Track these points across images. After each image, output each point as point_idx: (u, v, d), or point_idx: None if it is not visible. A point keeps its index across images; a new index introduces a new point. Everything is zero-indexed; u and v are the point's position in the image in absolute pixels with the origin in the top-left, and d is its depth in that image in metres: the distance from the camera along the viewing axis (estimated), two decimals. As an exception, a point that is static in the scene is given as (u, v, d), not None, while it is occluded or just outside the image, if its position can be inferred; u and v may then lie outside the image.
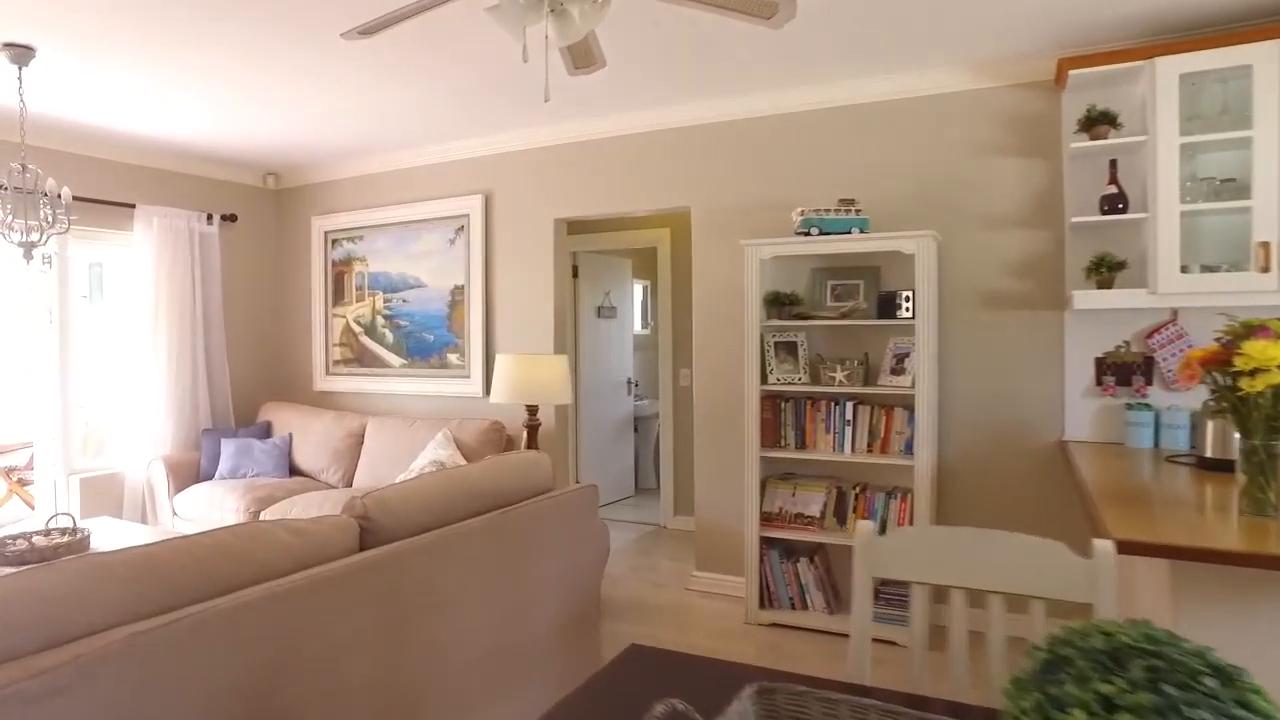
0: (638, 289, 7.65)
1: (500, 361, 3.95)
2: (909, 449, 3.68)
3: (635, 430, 7.17)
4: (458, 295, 5.08)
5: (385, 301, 5.39)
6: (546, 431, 4.68)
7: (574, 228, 6.06)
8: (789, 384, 3.84)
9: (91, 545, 3.31)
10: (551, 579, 2.83)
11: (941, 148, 3.77)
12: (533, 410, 3.98)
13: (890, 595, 3.68)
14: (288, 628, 1.77)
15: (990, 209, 3.68)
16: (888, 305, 3.68)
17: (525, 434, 3.96)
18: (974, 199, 3.71)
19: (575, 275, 6.22)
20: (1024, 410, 3.65)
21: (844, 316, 3.74)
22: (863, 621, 1.54)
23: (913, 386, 3.57)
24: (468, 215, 5.02)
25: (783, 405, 3.91)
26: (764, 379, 3.84)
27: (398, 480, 4.24)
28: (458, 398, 5.09)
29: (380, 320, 5.41)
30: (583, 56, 2.43)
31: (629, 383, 6.85)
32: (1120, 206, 3.26)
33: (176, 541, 1.75)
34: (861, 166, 3.93)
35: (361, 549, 2.19)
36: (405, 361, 5.31)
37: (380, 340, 5.41)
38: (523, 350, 4.90)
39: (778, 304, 3.91)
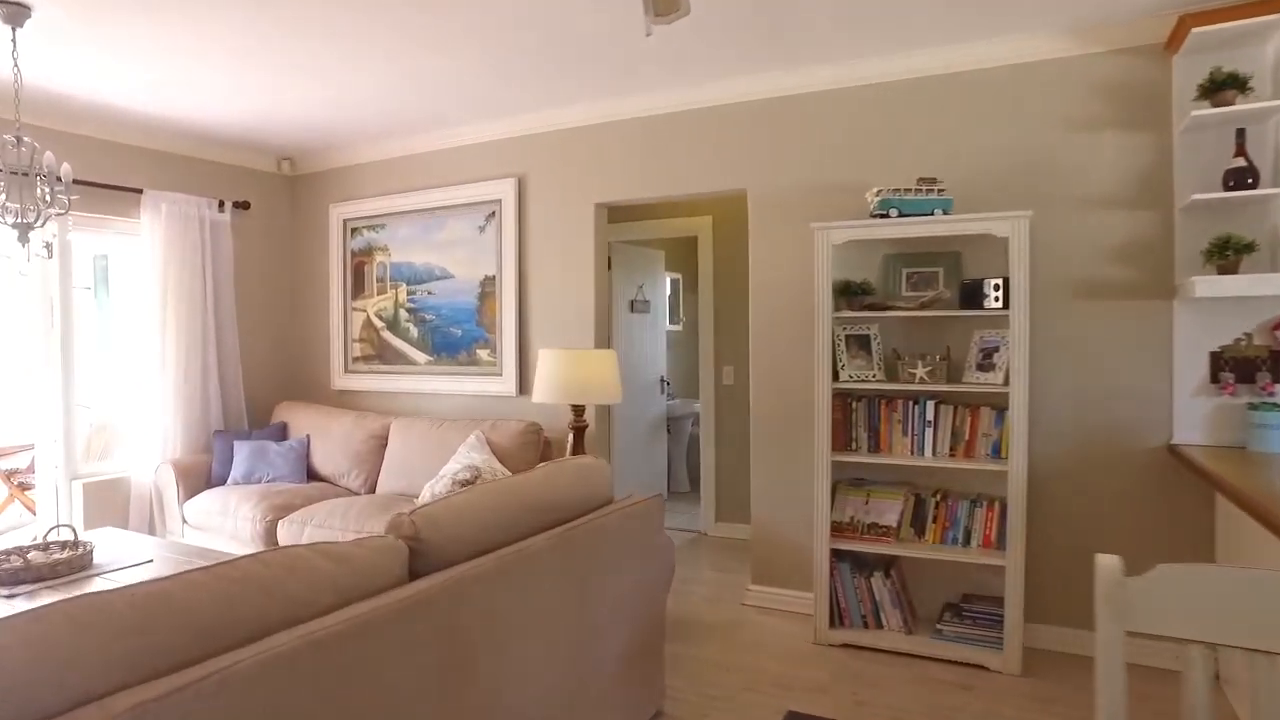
0: (667, 283, 7.29)
1: (544, 358, 3.60)
2: (996, 452, 3.32)
3: (668, 431, 6.81)
4: (488, 287, 4.74)
5: (409, 294, 5.04)
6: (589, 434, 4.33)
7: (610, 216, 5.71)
8: (862, 381, 3.48)
9: (95, 561, 2.97)
10: (619, 602, 2.48)
11: (1031, 122, 3.40)
12: (579, 411, 3.63)
13: (975, 613, 3.32)
14: (330, 682, 1.42)
15: (1086, 189, 3.31)
16: (973, 294, 3.31)
17: (571, 437, 3.61)
18: (1068, 178, 3.34)
19: (609, 268, 5.86)
20: (1125, 411, 3.28)
21: (924, 307, 3.37)
22: (1114, 695, 1.17)
23: (1005, 384, 3.21)
24: (499, 200, 4.67)
25: (853, 405, 3.55)
26: (835, 376, 3.48)
27: (428, 488, 3.90)
28: (489, 397, 4.74)
29: (403, 314, 5.07)
30: (667, 1, 2.07)
31: (662, 381, 6.50)
32: (1249, 181, 2.89)
33: (195, 576, 1.40)
34: (939, 145, 3.57)
35: (411, 576, 1.85)
36: (431, 358, 4.96)
37: (404, 335, 5.07)
38: (560, 346, 4.54)
39: (848, 294, 3.54)
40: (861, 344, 3.54)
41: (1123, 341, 3.27)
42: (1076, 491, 3.35)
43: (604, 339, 4.55)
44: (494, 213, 4.70)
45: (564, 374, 3.49)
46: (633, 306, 6.09)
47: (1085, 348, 3.33)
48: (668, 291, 7.27)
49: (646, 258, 6.32)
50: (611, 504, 2.69)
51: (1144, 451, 3.25)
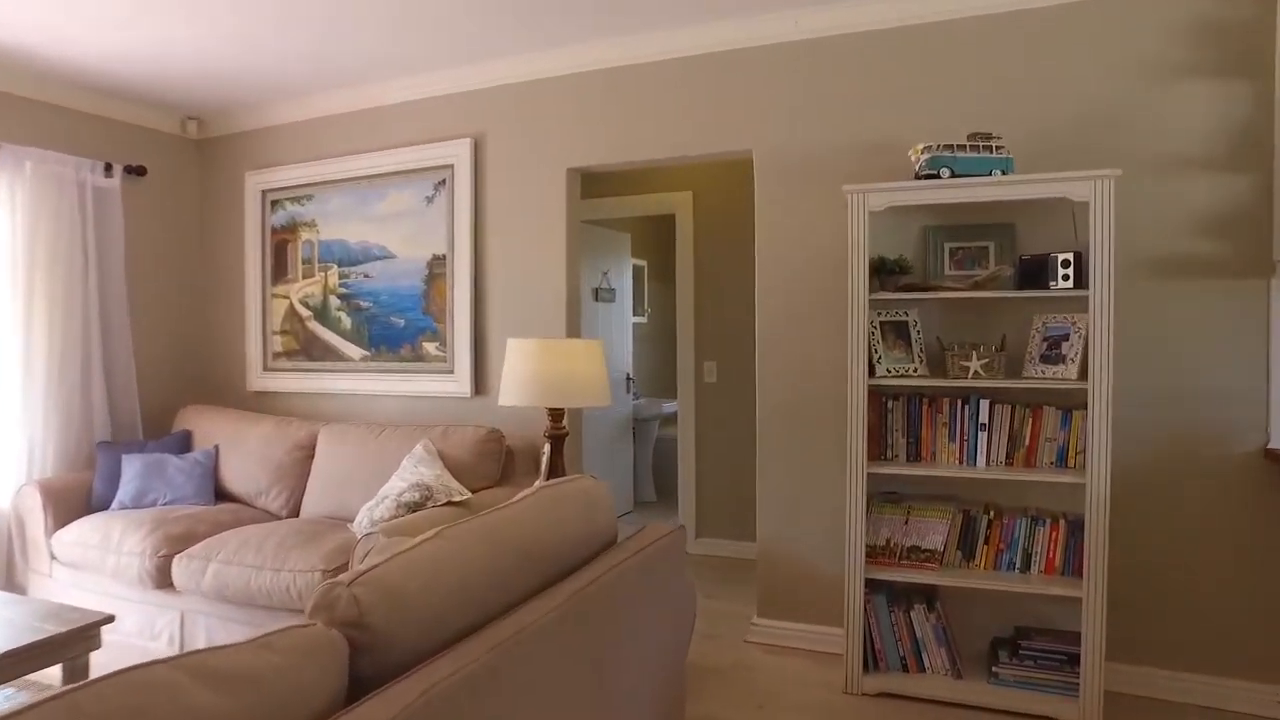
0: (633, 269, 6.64)
1: (514, 350, 2.90)
2: (1061, 460, 2.77)
3: (633, 434, 6.17)
4: (437, 268, 4.01)
5: (341, 278, 4.27)
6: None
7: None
8: (902, 376, 2.89)
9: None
10: (640, 676, 1.82)
11: (1103, 69, 2.87)
12: (558, 416, 2.94)
13: (1036, 652, 2.77)
14: None
15: (1167, 148, 2.79)
16: (1035, 272, 2.76)
17: (549, 447, 2.91)
18: (1145, 135, 2.81)
19: (570, 250, 5.18)
20: (1213, 410, 2.76)
21: (978, 287, 2.80)
22: None
23: (1079, 378, 2.66)
24: (451, 166, 3.95)
25: (889, 405, 2.96)
26: (871, 370, 2.89)
27: (365, 511, 3.16)
28: (439, 398, 4.02)
29: (335, 301, 4.29)
30: None
31: (628, 379, 5.85)
32: (1384, 132, 2.39)
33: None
34: (990, 97, 3.01)
35: (353, 688, 1.16)
36: (368, 353, 4.21)
37: (335, 326, 4.30)
38: (528, 337, 3.85)
39: (881, 273, 2.95)
40: (899, 332, 2.96)
41: (1210, 328, 2.76)
42: (1156, 505, 2.83)
43: (575, 329, 3.87)
44: (444, 180, 3.97)
45: (541, 370, 2.80)
46: (597, 295, 5.43)
47: (1164, 336, 2.81)
48: (631, 279, 6.62)
49: (612, 241, 5.66)
50: (621, 543, 2.03)
51: (1237, 457, 2.74)
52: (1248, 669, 2.73)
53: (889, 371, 2.89)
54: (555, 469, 2.93)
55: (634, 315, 6.68)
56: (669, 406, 6.27)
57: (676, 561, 2.13)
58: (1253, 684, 2.71)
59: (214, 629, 3.13)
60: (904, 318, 2.97)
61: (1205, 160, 2.75)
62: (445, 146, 3.95)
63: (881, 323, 2.95)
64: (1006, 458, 2.83)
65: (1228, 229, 2.73)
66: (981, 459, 2.84)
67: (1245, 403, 2.73)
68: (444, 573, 1.38)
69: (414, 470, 3.31)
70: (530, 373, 2.80)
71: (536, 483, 2.89)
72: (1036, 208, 2.89)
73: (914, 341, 2.95)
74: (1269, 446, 2.70)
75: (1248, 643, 2.73)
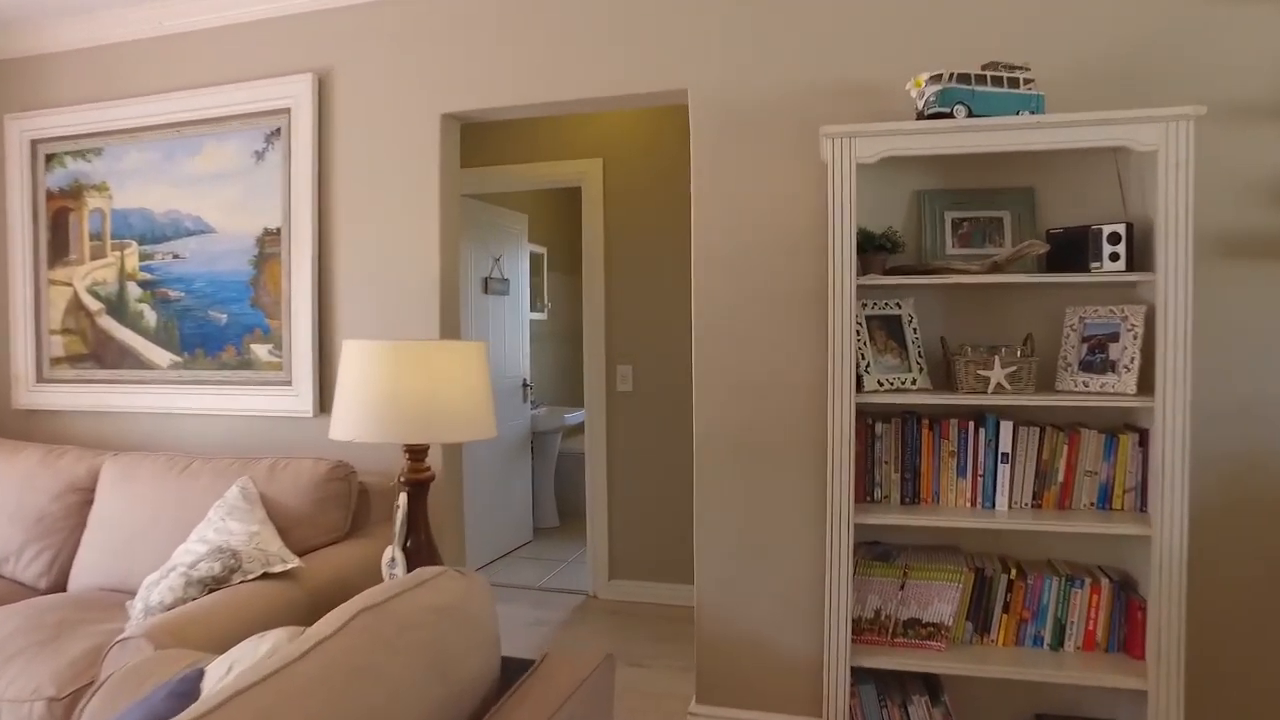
0: (529, 257, 5.76)
1: (352, 357, 1.97)
2: (1104, 500, 2.09)
3: (531, 450, 5.29)
4: (270, 246, 3.03)
5: (144, 259, 3.23)
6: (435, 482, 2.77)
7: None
8: (899, 389, 2.14)
9: None
10: None
11: (1141, -17, 2.20)
12: (418, 454, 2.04)
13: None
14: None
15: (1240, 90, 2.14)
16: (1072, 249, 2.07)
17: (403, 499, 2.00)
18: (1211, 74, 2.16)
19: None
20: (1285, 430, 2.14)
21: (998, 269, 2.08)
22: None
23: (1141, 393, 1.97)
24: (287, 110, 2.98)
25: (877, 429, 2.21)
26: (858, 384, 2.13)
27: (145, 588, 2.18)
28: (272, 417, 3.04)
29: (136, 290, 3.25)
30: None
31: (524, 386, 4.97)
32: None
33: None
34: (1000, 20, 2.29)
35: None
36: (180, 358, 3.18)
37: (136, 324, 3.25)
38: (383, 338, 2.93)
39: (864, 251, 2.20)
40: (890, 330, 2.21)
41: (1285, 325, 2.13)
42: (1234, 554, 2.18)
43: (452, 327, 2.98)
44: (279, 130, 3.00)
45: (394, 388, 1.89)
46: (487, 286, 4.53)
47: (1243, 330, 2.16)
48: (529, 268, 5.73)
49: (505, 222, 4.76)
50: (517, 684, 1.18)
51: (1321, 494, 2.12)
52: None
53: (881, 384, 2.14)
54: (416, 526, 2.04)
55: (532, 311, 5.80)
56: (573, 417, 5.42)
57: (601, 707, 1.30)
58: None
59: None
60: (896, 310, 2.23)
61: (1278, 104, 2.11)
62: (279, 84, 2.98)
63: (868, 318, 2.20)
64: (1034, 498, 2.13)
65: (1309, 196, 2.11)
66: (1001, 500, 2.13)
67: (1329, 421, 2.11)
68: None
69: (221, 525, 2.34)
70: (377, 393, 1.89)
71: (387, 556, 1.99)
72: (1067, 167, 2.20)
73: (910, 343, 2.21)
74: (1359, 478, 2.09)
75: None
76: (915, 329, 2.22)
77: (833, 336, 2.05)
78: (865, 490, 2.22)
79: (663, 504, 3.85)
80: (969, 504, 2.16)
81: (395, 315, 2.89)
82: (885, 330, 2.20)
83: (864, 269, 2.18)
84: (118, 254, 3.26)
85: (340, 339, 2.97)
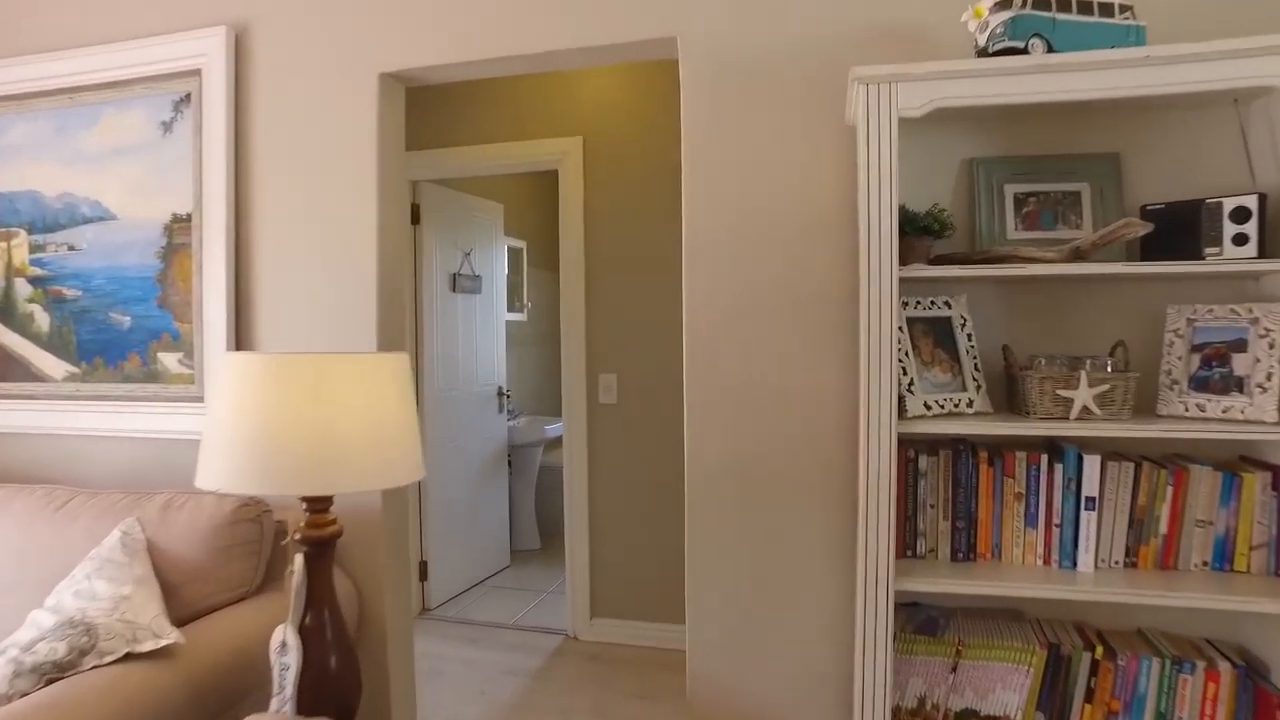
0: (507, 252, 5.28)
1: (229, 377, 1.46)
2: (1221, 559, 1.60)
3: (508, 464, 4.80)
4: (180, 235, 2.53)
5: (34, 251, 2.72)
6: (365, 519, 2.29)
7: (411, 140, 3.62)
8: (953, 414, 1.65)
9: None
10: None
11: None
12: (320, 505, 1.54)
13: None
14: None
15: (1371, 24, 1.66)
16: (1180, 230, 1.59)
17: (298, 565, 1.50)
18: (1336, 1, 1.68)
19: (415, 220, 3.77)
20: None
21: (1080, 256, 1.58)
22: None
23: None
24: (198, 73, 2.49)
25: (920, 463, 1.72)
26: (900, 407, 1.63)
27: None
28: (184, 440, 2.54)
29: (25, 288, 2.74)
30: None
31: (500, 394, 4.47)
32: None
33: None
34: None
35: None
36: (76, 369, 2.68)
37: (24, 328, 2.74)
38: (313, 346, 2.43)
39: (904, 234, 1.70)
40: (938, 336, 1.72)
41: None
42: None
43: (396, 332, 2.49)
44: (188, 96, 2.50)
45: (272, 420, 1.39)
46: (455, 283, 4.03)
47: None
48: (506, 265, 5.25)
49: (477, 212, 4.26)
50: None
51: None
52: None
53: (929, 408, 1.64)
54: (318, 597, 1.54)
55: (511, 312, 5.31)
56: (555, 429, 4.93)
57: None
58: None
59: None
60: (945, 311, 1.74)
61: None
62: (188, 41, 2.48)
63: (909, 320, 1.71)
64: (1126, 555, 1.64)
65: None
66: (1085, 558, 1.64)
67: None
68: None
69: (85, 586, 1.84)
70: (255, 426, 1.39)
71: (276, 639, 1.49)
72: (1167, 124, 1.71)
73: (964, 353, 1.72)
74: None
75: None
76: (970, 335, 1.73)
77: (867, 345, 1.56)
78: (905, 542, 1.73)
79: (652, 533, 3.36)
80: (1041, 561, 1.67)
81: (329, 318, 2.39)
82: (932, 337, 1.70)
83: (903, 258, 1.69)
84: (3, 245, 2.76)
85: (263, 345, 2.47)
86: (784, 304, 1.96)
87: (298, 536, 1.52)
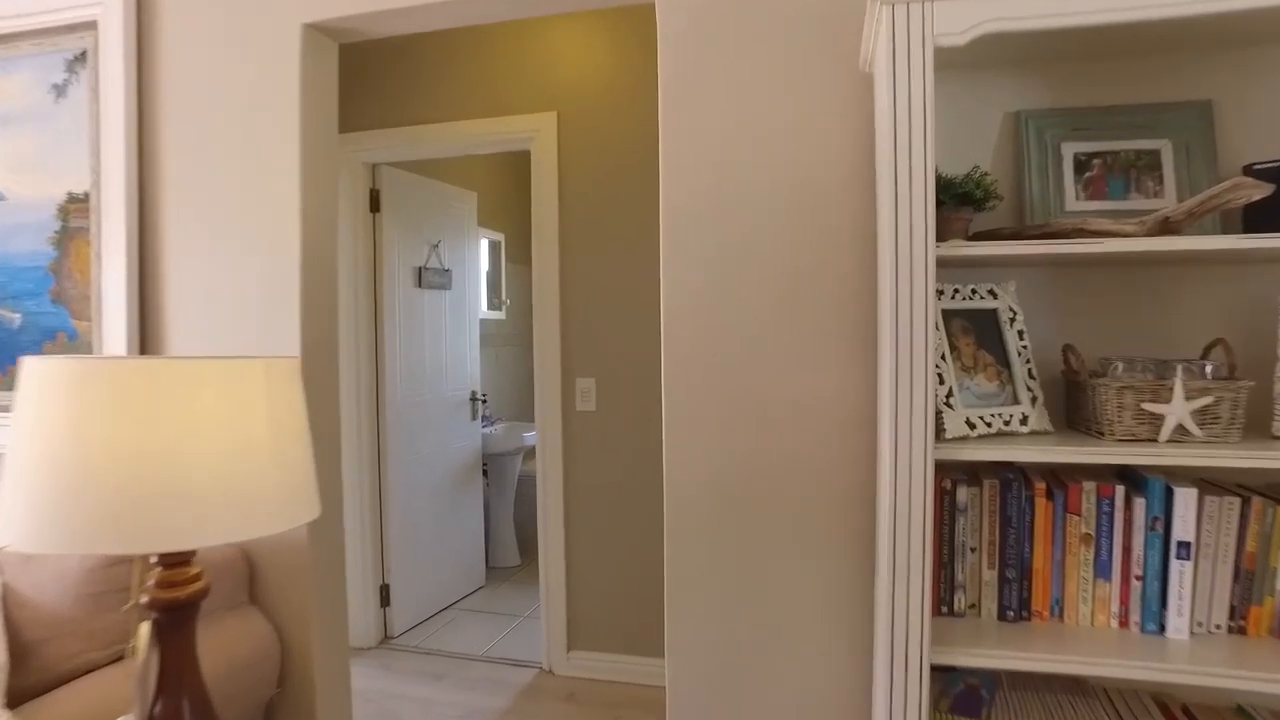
0: (484, 246, 4.91)
1: (28, 387, 1.08)
2: (1348, 621, 1.23)
3: (484, 475, 4.43)
4: (76, 217, 2.16)
5: (-84, 238, 2.35)
6: (287, 547, 1.92)
7: (368, 118, 3.25)
8: (1003, 434, 1.28)
9: None
10: None
11: None
12: (176, 559, 1.16)
13: None
14: None
15: None
16: (1294, 197, 1.22)
17: (144, 634, 1.13)
18: None
19: (375, 208, 3.39)
20: None
21: (1169, 229, 1.21)
22: None
23: None
24: (94, 25, 2.12)
25: (959, 495, 1.35)
26: (938, 427, 1.26)
27: None
28: (73, 459, 2.16)
29: (-95, 281, 2.37)
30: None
31: (474, 399, 4.10)
32: None
33: None
34: None
35: None
36: (-39, 374, 2.31)
37: (-95, 326, 2.37)
38: (236, 347, 2.06)
39: (939, 204, 1.33)
40: (981, 333, 1.35)
41: None
42: None
43: (324, 331, 2.12)
44: (83, 54, 2.13)
45: (91, 450, 1.02)
46: (421, 278, 3.66)
47: None
48: (484, 259, 4.88)
49: (447, 200, 3.89)
50: None
51: None
52: None
53: (973, 426, 1.27)
54: (176, 678, 1.16)
55: (490, 309, 4.95)
56: (535, 436, 4.55)
57: None
58: None
59: None
60: (989, 301, 1.37)
61: None
62: (80, -12, 2.11)
63: (944, 313, 1.34)
64: (1231, 616, 1.27)
65: None
66: (1178, 620, 1.27)
67: None
68: None
69: (-91, 649, 1.46)
70: (68, 459, 1.02)
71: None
72: (1273, 62, 1.35)
73: (1015, 355, 1.35)
74: None
75: None
76: (1022, 333, 1.36)
77: (894, 345, 1.19)
78: (938, 595, 1.36)
79: (636, 556, 3.00)
80: (1117, 623, 1.30)
81: (254, 314, 2.02)
82: (974, 335, 1.34)
83: (941, 234, 1.32)
84: (-119, 232, 2.38)
85: (174, 347, 2.10)
86: (781, 294, 1.60)
87: (144, 600, 1.14)
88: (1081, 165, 1.40)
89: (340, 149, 3.28)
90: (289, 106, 1.97)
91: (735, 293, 1.63)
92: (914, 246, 1.18)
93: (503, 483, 4.49)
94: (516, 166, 5.19)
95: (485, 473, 4.43)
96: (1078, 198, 1.39)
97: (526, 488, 4.75)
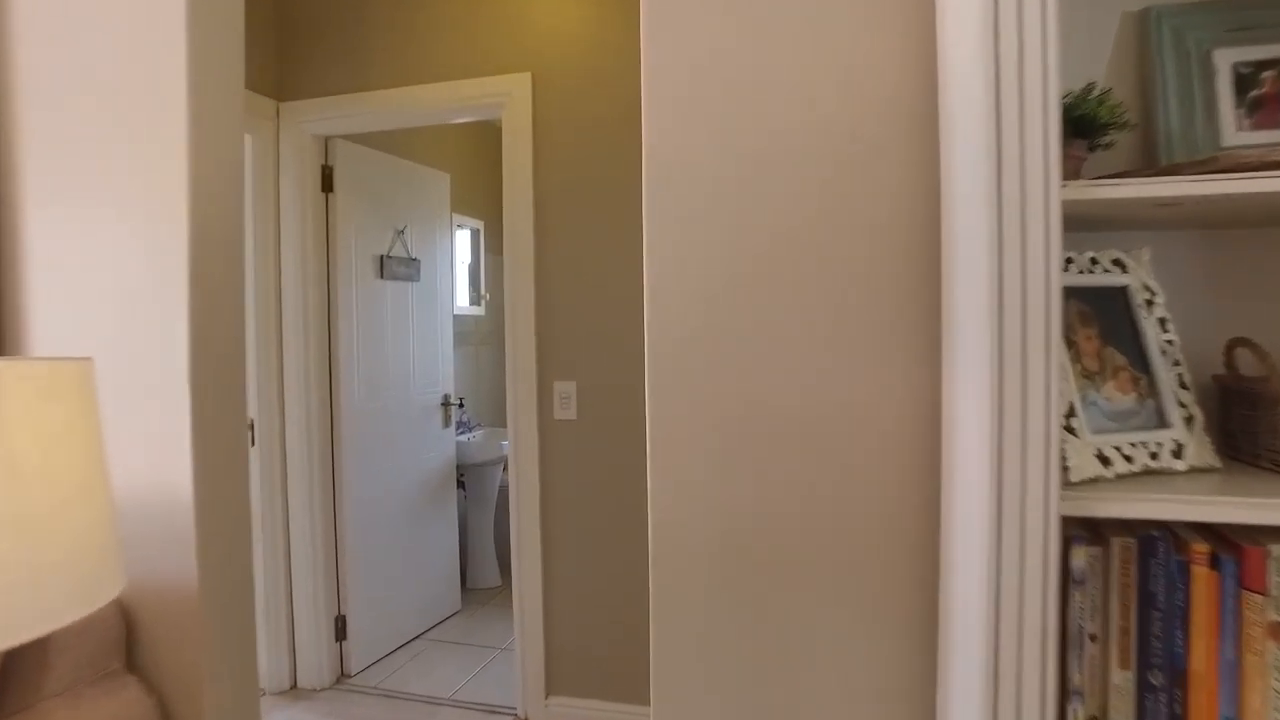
0: (454, 234, 4.49)
1: None
2: None
3: (461, 487, 4.02)
4: (-81, 187, 1.73)
5: None
6: (173, 600, 1.49)
7: (316, 84, 2.82)
8: (1151, 470, 0.85)
9: None
10: None
11: None
12: None
13: None
14: None
15: None
16: None
17: None
18: None
19: (328, 188, 2.97)
20: None
21: None
22: None
23: None
24: (-69, -56, 1.68)
25: (1072, 563, 0.92)
26: (1062, 463, 0.83)
27: None
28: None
29: None
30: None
31: (447, 404, 3.68)
32: None
33: None
34: None
35: None
36: None
37: None
38: (115, 347, 1.63)
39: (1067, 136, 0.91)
40: (1106, 321, 0.92)
41: None
42: None
43: (228, 327, 1.70)
44: (-74, -18, 1.70)
45: None
46: (383, 268, 3.24)
47: None
48: (463, 249, 4.46)
49: (413, 180, 3.47)
50: None
51: None
52: None
53: (1108, 462, 0.84)
54: None
55: (470, 304, 4.53)
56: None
57: None
58: None
59: None
60: (1116, 278, 0.94)
61: None
62: (-83, -104, 1.68)
63: (1065, 289, 0.91)
64: None
65: None
66: None
67: None
68: None
69: None
70: None
71: None
72: None
73: (1157, 353, 0.92)
74: None
75: None
76: (1164, 321, 0.93)
77: (994, 344, 0.76)
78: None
79: (622, 586, 2.57)
80: (1316, 753, 0.87)
81: (139, 305, 1.59)
82: (1096, 323, 0.91)
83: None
84: None
85: (36, 345, 1.68)
86: (804, 271, 1.17)
87: None
88: (1244, 81, 0.97)
89: (284, 119, 2.85)
90: (172, 42, 1.54)
91: (744, 280, 1.20)
92: (1027, 189, 0.76)
93: (482, 495, 4.07)
94: (496, 144, 4.76)
95: (462, 484, 4.01)
96: (1240, 127, 0.97)
97: (507, 500, 4.33)
